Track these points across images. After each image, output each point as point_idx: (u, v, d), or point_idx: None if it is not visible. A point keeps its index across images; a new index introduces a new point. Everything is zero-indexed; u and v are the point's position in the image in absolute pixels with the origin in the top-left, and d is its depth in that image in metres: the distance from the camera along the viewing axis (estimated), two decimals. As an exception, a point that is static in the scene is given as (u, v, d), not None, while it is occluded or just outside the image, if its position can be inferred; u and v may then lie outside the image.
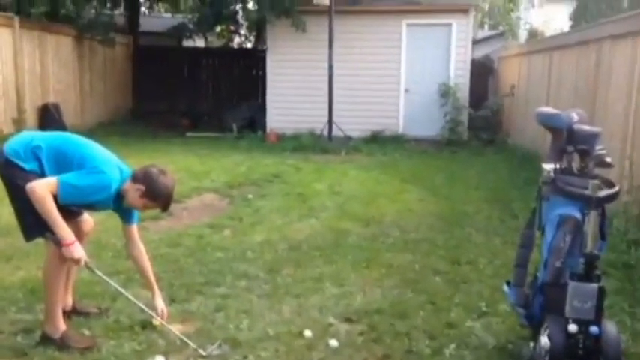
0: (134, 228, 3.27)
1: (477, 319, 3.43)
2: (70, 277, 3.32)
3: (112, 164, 3.03)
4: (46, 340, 2.99)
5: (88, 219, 3.31)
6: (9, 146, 2.99)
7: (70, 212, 3.03)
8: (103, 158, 3.03)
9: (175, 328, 3.18)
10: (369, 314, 3.48)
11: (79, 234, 3.13)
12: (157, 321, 3.22)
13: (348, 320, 3.43)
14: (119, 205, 3.11)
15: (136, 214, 3.26)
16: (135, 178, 3.02)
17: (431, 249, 4.82)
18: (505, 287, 3.22)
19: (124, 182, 3.03)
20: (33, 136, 3.08)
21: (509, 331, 3.29)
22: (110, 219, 5.50)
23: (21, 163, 2.91)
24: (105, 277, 3.16)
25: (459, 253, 4.71)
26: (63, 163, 2.93)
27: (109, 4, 14.60)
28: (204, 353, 2.96)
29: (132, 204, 3.07)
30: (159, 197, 3.02)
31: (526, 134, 9.86)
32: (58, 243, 2.87)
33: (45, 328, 3.02)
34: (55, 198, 2.82)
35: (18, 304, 3.44)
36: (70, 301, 3.34)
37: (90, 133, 11.90)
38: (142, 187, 2.99)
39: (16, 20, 10.53)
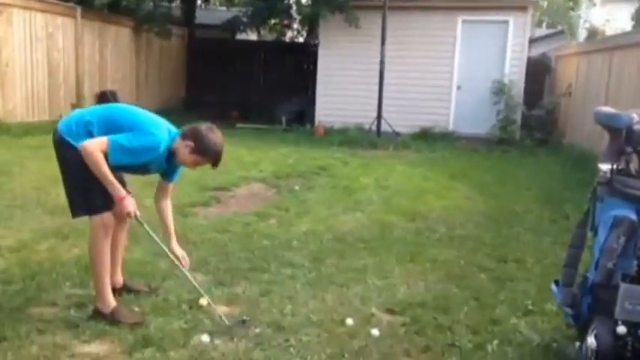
0: (171, 185, 3.38)
1: (522, 317, 3.37)
2: (119, 255, 3.43)
3: (161, 126, 3.10)
4: (97, 314, 3.10)
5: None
6: (63, 123, 3.10)
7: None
8: (152, 121, 3.11)
9: (221, 310, 3.25)
10: (412, 307, 3.46)
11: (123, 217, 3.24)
12: (204, 301, 3.30)
13: (391, 311, 3.42)
14: (170, 165, 3.20)
15: (178, 174, 3.35)
16: (184, 135, 3.09)
17: (477, 246, 4.75)
18: (553, 287, 3.15)
19: (174, 141, 3.10)
20: (85, 112, 3.18)
21: (555, 330, 3.22)
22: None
23: (72, 141, 3.00)
24: (152, 233, 3.24)
25: (506, 251, 4.63)
26: (114, 130, 3.00)
27: (167, -4, 14.97)
28: (227, 323, 3.06)
29: (183, 161, 3.14)
30: (208, 152, 3.09)
31: (582, 135, 9.58)
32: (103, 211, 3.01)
33: (97, 303, 3.13)
34: (107, 158, 2.91)
35: (72, 280, 3.58)
36: (120, 279, 3.46)
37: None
38: (191, 143, 3.06)
39: (78, 11, 10.93)
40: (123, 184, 3.21)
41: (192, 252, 4.21)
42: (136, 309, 3.25)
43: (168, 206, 3.39)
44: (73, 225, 4.22)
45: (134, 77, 13.15)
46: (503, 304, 3.55)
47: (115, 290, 3.29)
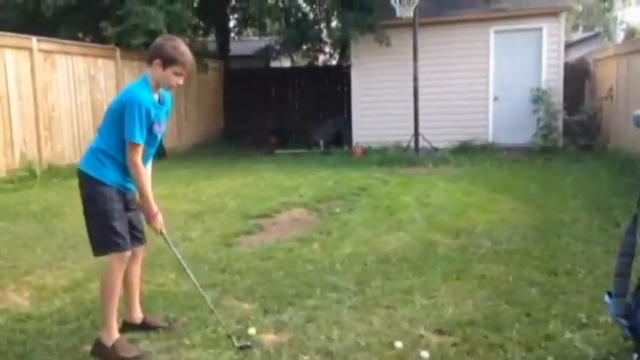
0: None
1: (576, 331, 3.28)
2: (135, 290, 3.46)
3: (131, 86, 3.18)
4: (98, 346, 3.14)
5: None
6: (82, 161, 3.21)
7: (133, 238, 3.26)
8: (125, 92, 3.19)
9: (269, 339, 3.28)
10: (462, 326, 3.41)
11: (137, 256, 3.37)
12: (252, 331, 3.34)
13: (440, 332, 3.37)
14: (166, 108, 3.27)
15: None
16: (149, 60, 3.14)
17: (525, 260, 4.65)
18: (606, 298, 3.06)
19: (146, 79, 3.14)
20: (91, 144, 3.24)
21: (612, 343, 3.11)
22: (206, 235, 5.78)
23: (92, 173, 3.11)
24: (176, 252, 3.40)
25: (556, 263, 4.52)
26: (120, 129, 3.07)
27: (201, 32, 15.37)
28: (236, 344, 3.19)
29: (167, 83, 3.16)
30: (176, 58, 3.09)
31: (627, 138, 9.32)
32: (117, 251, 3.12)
33: (100, 334, 3.18)
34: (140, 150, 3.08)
35: (124, 317, 3.66)
36: (140, 315, 3.47)
37: (185, 154, 12.55)
38: (158, 60, 3.09)
39: (117, 52, 11.35)
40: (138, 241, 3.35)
41: (238, 281, 4.30)
42: (187, 342, 3.30)
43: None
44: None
45: (174, 113, 13.45)
46: (556, 319, 3.46)
47: (133, 325, 3.40)
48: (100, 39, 11.53)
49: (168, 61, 3.09)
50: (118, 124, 3.08)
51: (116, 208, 3.13)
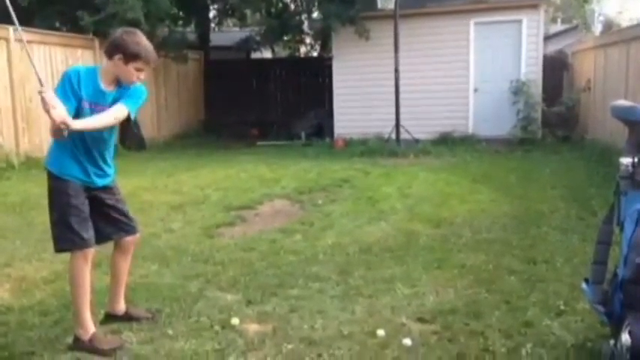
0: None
1: (554, 318, 3.35)
2: (122, 284, 3.44)
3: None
4: (76, 342, 3.11)
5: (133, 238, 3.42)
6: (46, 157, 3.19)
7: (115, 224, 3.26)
8: None
9: (252, 329, 3.29)
10: (443, 314, 3.46)
11: (125, 248, 3.36)
12: (235, 321, 3.35)
13: (421, 320, 3.42)
14: (116, 95, 3.08)
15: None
16: (109, 55, 3.01)
17: (505, 249, 4.72)
18: (583, 285, 3.12)
19: (95, 67, 3.07)
20: None
21: (589, 329, 3.19)
22: (187, 226, 5.75)
23: (53, 168, 3.13)
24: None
25: (535, 252, 4.60)
26: None
27: (180, 22, 15.21)
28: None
29: (128, 79, 3.04)
30: (140, 54, 2.98)
31: (605, 129, 9.47)
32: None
33: (76, 331, 3.14)
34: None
35: (106, 307, 3.64)
36: (122, 307, 3.46)
37: (165, 145, 12.44)
38: (120, 55, 2.96)
39: (96, 42, 11.19)
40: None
41: (221, 272, 4.30)
42: (170, 332, 3.30)
43: None
44: (104, 253, 4.29)
45: (154, 103, 13.35)
46: (534, 306, 3.53)
47: (115, 317, 3.40)
48: (77, 29, 11.34)
49: (132, 56, 2.98)
50: None
51: (73, 203, 3.06)
